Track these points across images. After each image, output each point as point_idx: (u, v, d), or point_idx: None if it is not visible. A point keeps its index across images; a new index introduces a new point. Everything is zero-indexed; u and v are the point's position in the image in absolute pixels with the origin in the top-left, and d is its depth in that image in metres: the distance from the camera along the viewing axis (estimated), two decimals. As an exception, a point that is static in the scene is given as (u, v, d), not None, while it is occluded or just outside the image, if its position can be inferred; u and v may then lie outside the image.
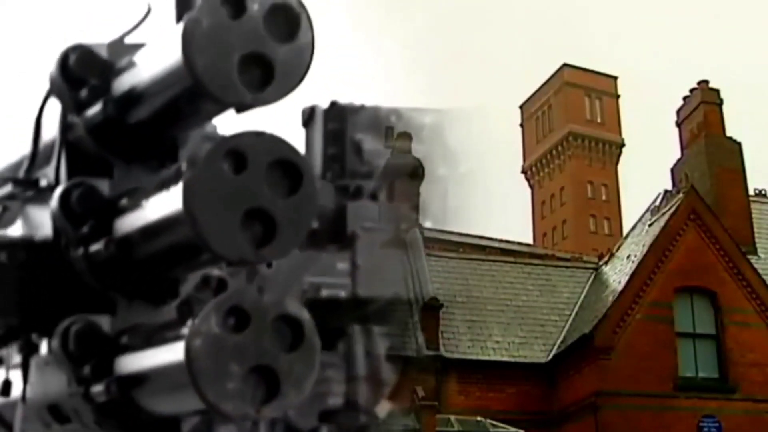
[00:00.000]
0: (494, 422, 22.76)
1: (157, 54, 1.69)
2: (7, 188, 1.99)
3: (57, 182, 1.84)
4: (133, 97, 1.77)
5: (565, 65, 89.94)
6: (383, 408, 2.47)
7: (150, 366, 1.62)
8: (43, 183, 1.90)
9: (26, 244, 1.84)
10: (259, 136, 1.60)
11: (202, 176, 1.54)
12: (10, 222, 1.96)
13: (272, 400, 1.53)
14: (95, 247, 1.73)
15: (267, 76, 1.62)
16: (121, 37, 1.88)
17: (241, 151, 1.57)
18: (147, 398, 1.65)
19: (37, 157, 1.93)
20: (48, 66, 1.84)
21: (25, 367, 1.80)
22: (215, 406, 1.49)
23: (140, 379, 1.65)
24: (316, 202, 1.65)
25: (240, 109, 1.66)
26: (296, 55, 1.64)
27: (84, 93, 1.80)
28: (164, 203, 1.61)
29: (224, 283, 1.84)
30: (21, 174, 1.96)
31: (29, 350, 1.80)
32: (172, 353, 1.52)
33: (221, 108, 1.70)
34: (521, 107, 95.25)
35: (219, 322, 1.51)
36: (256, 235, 1.57)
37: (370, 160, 2.33)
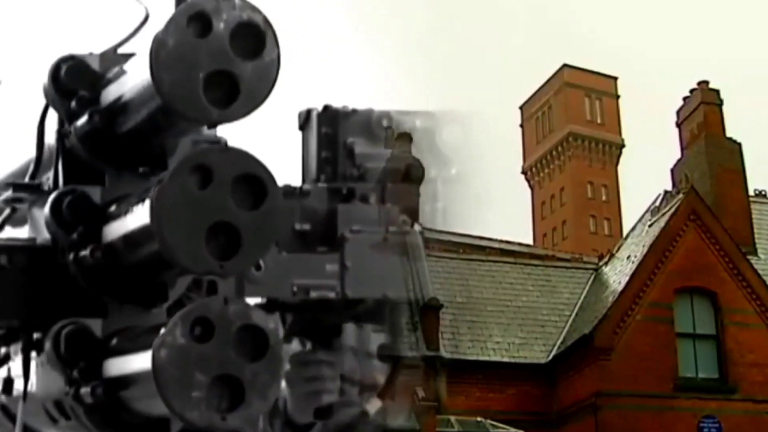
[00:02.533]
0: (494, 423, 22.78)
1: (137, 69, 1.73)
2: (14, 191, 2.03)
3: (56, 188, 1.88)
4: (117, 109, 1.80)
5: (565, 65, 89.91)
6: (375, 405, 2.51)
7: (131, 371, 1.66)
8: (46, 187, 1.94)
9: (27, 247, 1.88)
10: (225, 151, 1.64)
11: (168, 191, 1.58)
12: (17, 224, 2.01)
13: (237, 409, 1.55)
14: (83, 252, 1.77)
15: (233, 93, 1.64)
16: (118, 46, 1.91)
17: (207, 166, 1.60)
18: (131, 400, 1.68)
19: (42, 161, 1.97)
20: (42, 75, 1.88)
21: (26, 367, 1.83)
22: (181, 415, 1.53)
23: (124, 382, 1.68)
24: (280, 215, 1.68)
25: (209, 125, 1.70)
26: (262, 72, 1.66)
27: (74, 104, 1.84)
28: (139, 215, 1.65)
29: (215, 285, 1.88)
30: (26, 178, 2.00)
31: (30, 350, 1.83)
32: (147, 361, 1.55)
33: (192, 124, 1.73)
34: (521, 108, 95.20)
35: (184, 333, 1.54)
36: (221, 248, 1.60)
37: (361, 163, 2.36)
